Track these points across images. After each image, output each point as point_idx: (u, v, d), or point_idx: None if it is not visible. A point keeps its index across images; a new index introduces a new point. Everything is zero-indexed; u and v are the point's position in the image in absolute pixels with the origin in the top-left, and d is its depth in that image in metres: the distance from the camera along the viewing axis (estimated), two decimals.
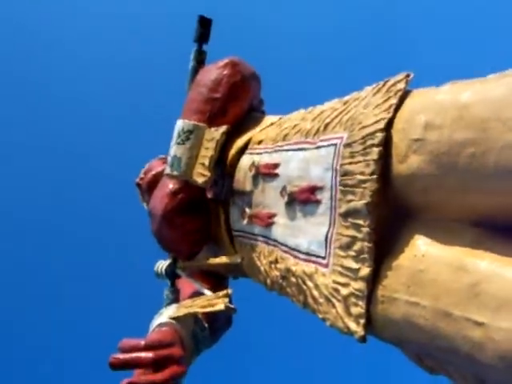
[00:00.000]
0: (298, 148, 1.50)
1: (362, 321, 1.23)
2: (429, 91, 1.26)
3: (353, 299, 1.25)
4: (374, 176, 1.21)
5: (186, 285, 1.98)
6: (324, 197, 1.37)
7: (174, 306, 1.79)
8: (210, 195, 1.81)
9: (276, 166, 1.57)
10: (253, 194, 1.67)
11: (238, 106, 1.86)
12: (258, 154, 1.69)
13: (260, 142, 1.73)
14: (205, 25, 2.03)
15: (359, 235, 1.23)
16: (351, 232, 1.25)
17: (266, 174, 1.61)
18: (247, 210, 1.68)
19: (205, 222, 1.87)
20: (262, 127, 1.81)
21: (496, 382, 1.07)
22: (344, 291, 1.27)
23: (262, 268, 1.63)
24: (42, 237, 9.91)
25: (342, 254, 1.28)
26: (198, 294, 1.84)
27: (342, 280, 1.27)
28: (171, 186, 1.78)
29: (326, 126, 1.43)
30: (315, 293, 1.36)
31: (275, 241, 1.55)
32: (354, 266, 1.24)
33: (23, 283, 9.56)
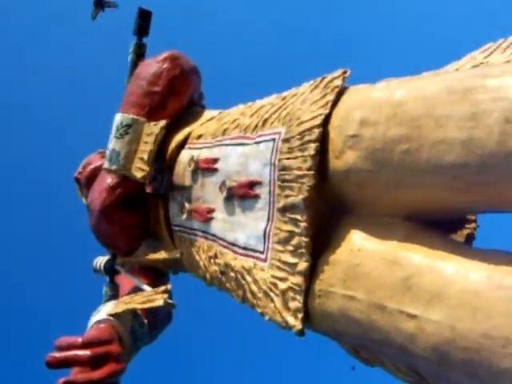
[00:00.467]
0: (237, 143, 1.50)
1: (300, 315, 1.24)
2: (365, 88, 1.28)
3: (291, 293, 1.26)
4: (311, 171, 1.22)
5: (125, 281, 1.95)
6: (262, 192, 1.37)
7: (112, 303, 1.76)
8: (148, 190, 1.78)
9: (215, 160, 1.56)
10: (192, 189, 1.65)
11: (177, 100, 1.84)
12: (197, 148, 1.68)
13: (199, 137, 1.72)
14: (144, 17, 2.00)
15: (297, 230, 1.24)
16: (289, 227, 1.26)
17: (205, 168, 1.60)
18: (186, 204, 1.67)
19: (144, 216, 1.84)
20: (202, 122, 1.80)
21: (429, 372, 1.11)
22: (282, 285, 1.27)
23: (201, 263, 1.62)
24: None
25: (280, 248, 1.29)
26: (137, 289, 1.81)
27: (280, 274, 1.28)
28: (109, 180, 1.75)
29: (265, 121, 1.43)
30: (254, 287, 1.36)
31: (214, 236, 1.55)
32: (292, 260, 1.25)
33: None
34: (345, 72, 1.32)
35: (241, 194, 1.43)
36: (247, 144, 1.45)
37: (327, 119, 1.24)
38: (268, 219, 1.35)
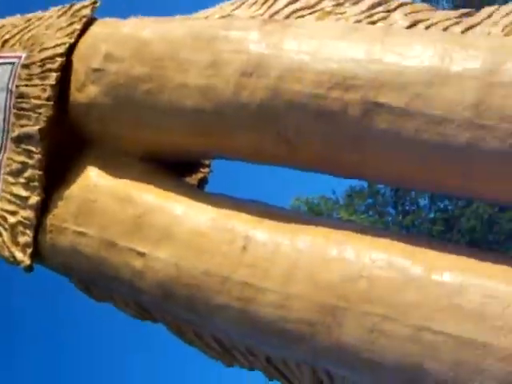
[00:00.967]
0: None
1: (29, 250, 1.20)
2: (115, 22, 1.26)
3: (20, 228, 1.20)
4: (50, 102, 1.16)
5: None
6: None
7: None
8: None
9: None
10: None
11: None
12: None
13: None
14: None
15: (30, 162, 1.18)
16: (22, 158, 1.20)
17: None
18: None
19: None
20: None
21: (154, 308, 1.17)
22: (12, 219, 1.21)
23: None
24: None
25: (11, 180, 1.22)
26: None
27: (11, 208, 1.22)
28: None
29: (5, 42, 1.32)
30: None
31: None
32: (24, 193, 1.19)
33: None
34: (95, 2, 1.27)
35: None
36: None
37: (72, 49, 1.20)
38: (1, 149, 1.26)
